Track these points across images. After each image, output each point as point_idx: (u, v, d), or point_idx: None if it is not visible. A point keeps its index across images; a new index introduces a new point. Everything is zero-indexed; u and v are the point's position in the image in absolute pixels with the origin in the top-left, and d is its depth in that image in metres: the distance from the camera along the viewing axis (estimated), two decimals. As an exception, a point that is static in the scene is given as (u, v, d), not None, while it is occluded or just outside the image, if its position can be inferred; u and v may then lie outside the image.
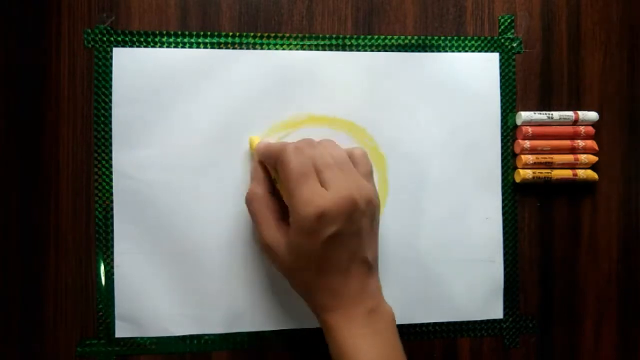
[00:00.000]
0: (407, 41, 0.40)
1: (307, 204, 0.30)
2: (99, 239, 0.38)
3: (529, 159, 0.40)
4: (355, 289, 0.32)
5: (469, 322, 0.41)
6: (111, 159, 0.37)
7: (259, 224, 0.34)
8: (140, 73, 0.37)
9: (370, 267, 0.33)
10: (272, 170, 0.35)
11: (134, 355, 0.38)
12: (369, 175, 0.34)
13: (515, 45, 0.41)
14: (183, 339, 0.38)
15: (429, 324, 0.40)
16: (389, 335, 0.32)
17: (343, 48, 0.39)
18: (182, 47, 0.38)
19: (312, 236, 0.30)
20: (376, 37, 0.40)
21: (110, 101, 0.37)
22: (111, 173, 0.37)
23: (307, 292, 0.33)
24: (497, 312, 0.41)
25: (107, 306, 0.38)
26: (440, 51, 0.40)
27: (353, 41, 0.39)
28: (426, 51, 0.40)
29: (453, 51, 0.40)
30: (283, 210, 0.35)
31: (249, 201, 0.35)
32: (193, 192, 0.38)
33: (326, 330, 0.33)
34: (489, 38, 0.41)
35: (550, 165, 0.40)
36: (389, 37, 0.40)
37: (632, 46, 0.42)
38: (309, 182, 0.31)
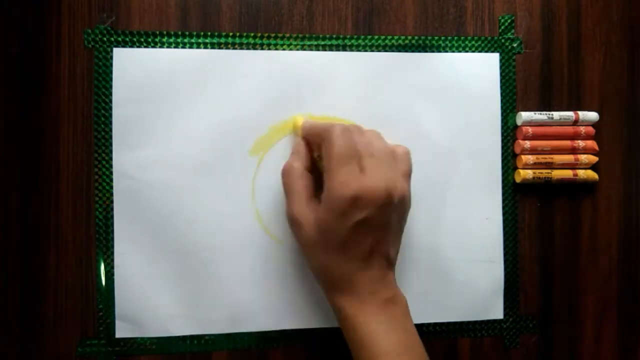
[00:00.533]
0: (407, 41, 0.40)
1: (343, 185, 0.31)
2: (99, 239, 0.38)
3: (529, 159, 0.40)
4: (373, 278, 0.32)
5: (469, 322, 0.41)
6: (111, 159, 0.37)
7: (290, 196, 0.34)
8: (140, 73, 0.37)
9: (389, 261, 0.33)
10: (315, 147, 0.35)
11: (134, 355, 0.38)
12: (407, 175, 0.35)
13: (515, 45, 0.41)
14: (183, 339, 0.38)
15: (429, 324, 0.40)
16: (406, 321, 0.33)
17: (343, 48, 0.39)
18: (182, 47, 0.38)
19: (342, 217, 0.31)
20: (376, 37, 0.40)
21: (110, 101, 0.37)
22: (111, 173, 0.37)
23: (325, 273, 0.33)
24: (497, 312, 0.41)
25: (107, 306, 0.38)
26: (440, 51, 0.40)
27: (353, 41, 0.39)
28: (426, 51, 0.40)
29: (453, 51, 0.40)
30: (316, 189, 0.35)
31: (285, 172, 0.35)
32: (193, 192, 0.38)
33: (342, 316, 0.33)
34: (489, 38, 0.41)
35: (550, 165, 0.40)
36: (389, 37, 0.40)
37: (632, 46, 0.42)
38: (350, 164, 0.31)
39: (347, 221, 0.31)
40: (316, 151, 0.36)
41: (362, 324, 0.32)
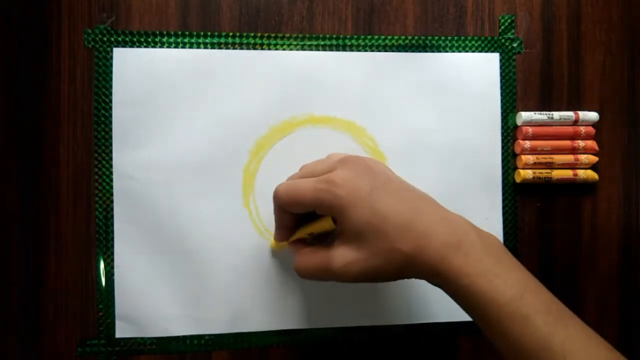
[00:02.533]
0: (407, 41, 0.40)
1: (329, 189, 0.29)
2: (99, 239, 0.38)
3: (529, 159, 0.40)
4: (443, 221, 0.29)
5: (469, 322, 0.41)
6: (111, 159, 0.37)
7: (322, 264, 0.31)
8: (140, 73, 0.37)
9: (432, 200, 0.31)
10: (300, 232, 0.34)
11: (134, 355, 0.38)
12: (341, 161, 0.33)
13: (515, 45, 0.41)
14: (183, 339, 0.38)
15: (429, 324, 0.40)
16: (511, 258, 0.29)
17: (343, 48, 0.39)
18: (182, 47, 0.38)
19: (357, 207, 0.29)
20: (376, 37, 0.40)
21: (110, 101, 0.37)
22: (111, 173, 0.37)
23: (411, 259, 0.29)
24: (497, 312, 0.41)
25: (107, 306, 0.38)
26: (440, 51, 0.40)
27: (353, 41, 0.39)
28: (426, 51, 0.40)
29: (453, 51, 0.40)
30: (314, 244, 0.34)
31: (302, 270, 0.33)
32: (193, 192, 0.38)
33: (450, 283, 0.28)
34: (489, 38, 0.41)
35: (550, 165, 0.40)
36: (389, 37, 0.40)
37: (632, 46, 0.42)
38: (319, 180, 0.30)
39: (364, 206, 0.29)
40: (305, 235, 0.34)
41: (477, 280, 0.28)
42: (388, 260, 0.29)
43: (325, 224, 0.32)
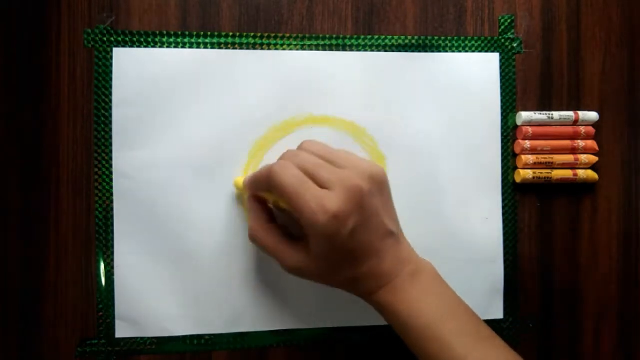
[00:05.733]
0: (407, 41, 0.40)
1: (316, 213, 0.29)
2: (99, 239, 0.38)
3: (529, 159, 0.40)
4: (391, 262, 0.32)
5: (469, 322, 0.41)
6: (111, 159, 0.37)
7: (276, 254, 0.33)
8: (140, 73, 0.37)
9: (396, 236, 0.33)
10: (269, 196, 0.34)
11: (134, 355, 0.38)
12: (351, 154, 0.34)
13: (515, 45, 0.41)
14: (183, 339, 0.38)
15: (429, 324, 0.40)
16: (437, 285, 0.33)
17: (343, 48, 0.39)
18: (182, 47, 0.38)
19: (333, 239, 0.30)
20: (376, 37, 0.40)
21: (110, 101, 0.37)
22: (111, 173, 0.37)
23: (350, 285, 0.33)
24: (497, 312, 0.41)
25: (107, 306, 0.38)
26: (440, 51, 0.40)
27: (353, 41, 0.39)
28: (426, 51, 0.40)
29: (453, 51, 0.40)
30: (288, 232, 0.34)
31: (253, 238, 0.35)
32: (193, 192, 0.38)
33: (381, 309, 0.33)
34: (489, 38, 0.41)
35: (550, 165, 0.40)
36: (389, 37, 0.40)
37: (632, 46, 0.42)
38: (309, 190, 0.30)
39: (340, 238, 0.30)
40: (272, 199, 0.34)
41: (402, 309, 0.32)
42: (334, 279, 0.33)
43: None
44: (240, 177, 0.37)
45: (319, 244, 0.31)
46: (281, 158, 0.33)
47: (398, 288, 0.32)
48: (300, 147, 0.34)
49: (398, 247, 0.33)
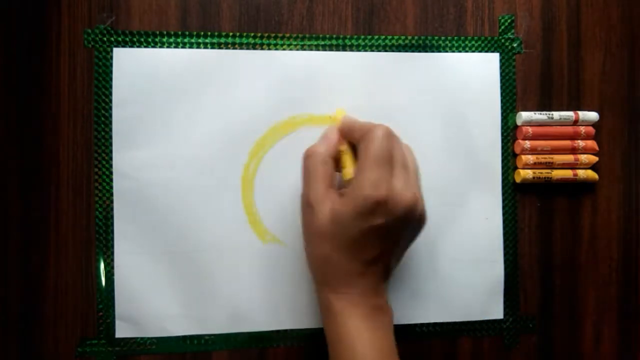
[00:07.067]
0: (407, 41, 0.40)
1: (373, 186, 0.30)
2: (99, 239, 0.38)
3: (529, 159, 0.40)
4: (369, 283, 0.32)
5: (469, 322, 0.41)
6: (111, 159, 0.37)
7: (309, 179, 0.33)
8: (140, 73, 0.37)
9: (388, 271, 0.33)
10: (347, 143, 0.35)
11: (134, 355, 0.38)
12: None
13: (515, 45, 0.41)
14: (183, 339, 0.38)
15: (428, 324, 0.40)
16: (387, 332, 0.33)
17: (343, 48, 0.39)
18: (182, 47, 0.38)
19: (360, 217, 0.30)
20: (376, 37, 0.40)
21: (110, 101, 0.37)
22: (111, 173, 0.37)
23: (324, 265, 0.33)
24: (497, 312, 0.41)
25: (107, 306, 0.38)
26: (440, 51, 0.40)
27: (353, 41, 0.39)
28: (426, 51, 0.40)
29: (453, 51, 0.40)
30: (335, 181, 0.34)
31: (307, 155, 0.34)
32: (193, 191, 0.38)
33: (329, 311, 0.33)
34: (489, 38, 0.41)
35: (550, 165, 0.40)
36: (389, 37, 0.40)
37: (632, 46, 0.42)
38: (385, 168, 0.31)
39: (364, 222, 0.30)
40: (345, 147, 0.35)
41: (348, 324, 0.32)
42: (325, 246, 0.32)
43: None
44: (343, 111, 0.37)
45: (347, 207, 0.31)
46: (391, 132, 0.32)
47: (358, 309, 0.32)
48: (404, 144, 0.34)
49: (381, 280, 0.33)
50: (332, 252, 0.32)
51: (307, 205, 0.33)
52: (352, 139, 0.34)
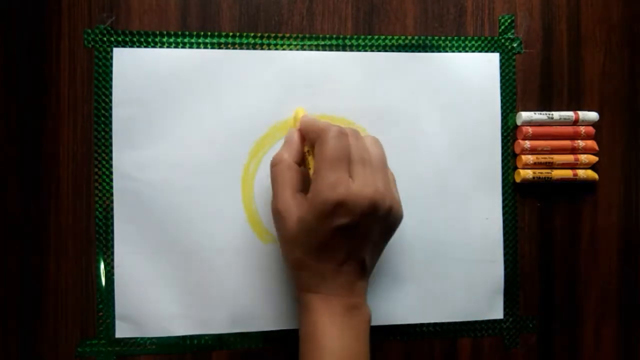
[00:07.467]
0: (407, 41, 0.40)
1: (329, 188, 0.30)
2: (99, 239, 0.38)
3: (529, 158, 0.40)
4: (344, 282, 0.32)
5: (469, 322, 0.41)
6: (111, 158, 0.37)
7: (276, 188, 0.33)
8: (140, 73, 0.37)
9: (364, 269, 0.33)
10: (308, 143, 0.35)
11: (134, 355, 0.38)
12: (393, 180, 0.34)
13: (515, 45, 0.41)
14: (183, 339, 0.38)
15: (428, 324, 0.40)
16: (361, 333, 0.33)
17: (343, 48, 0.39)
18: (182, 47, 0.38)
19: (323, 220, 0.30)
20: (376, 37, 0.40)
21: (110, 101, 0.37)
22: (111, 173, 0.37)
23: (299, 268, 0.33)
24: (497, 312, 0.41)
25: (107, 306, 0.38)
26: (440, 51, 0.40)
27: (353, 41, 0.39)
28: (426, 51, 0.40)
29: (453, 51, 0.40)
30: (304, 183, 0.34)
31: (274, 163, 0.34)
32: (193, 191, 0.38)
33: (304, 309, 0.33)
34: (489, 38, 0.41)
35: (550, 165, 0.40)
36: (389, 37, 0.40)
37: (632, 46, 0.42)
38: (340, 167, 0.31)
39: (327, 224, 0.30)
40: (307, 147, 0.35)
41: (321, 321, 0.32)
42: (295, 251, 0.33)
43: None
44: (303, 109, 0.37)
45: (310, 213, 0.31)
46: (344, 129, 0.32)
47: (332, 307, 0.32)
48: (365, 137, 0.34)
49: (357, 278, 0.33)
50: (303, 257, 0.32)
51: (276, 213, 0.33)
52: (310, 140, 0.34)
